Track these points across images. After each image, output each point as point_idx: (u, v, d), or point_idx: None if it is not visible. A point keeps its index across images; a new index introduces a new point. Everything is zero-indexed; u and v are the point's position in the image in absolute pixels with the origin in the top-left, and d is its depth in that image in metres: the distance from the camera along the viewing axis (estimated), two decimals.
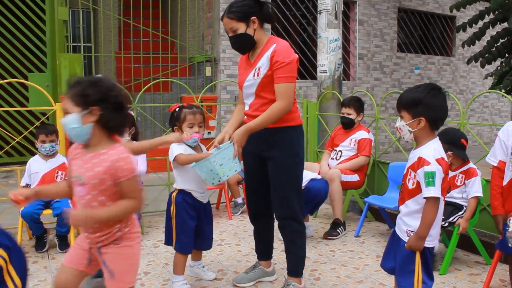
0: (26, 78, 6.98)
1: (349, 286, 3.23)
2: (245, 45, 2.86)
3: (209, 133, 7.52)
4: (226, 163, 2.74)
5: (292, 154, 2.88)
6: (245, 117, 2.99)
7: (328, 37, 5.90)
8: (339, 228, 4.28)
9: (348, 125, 4.64)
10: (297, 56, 2.82)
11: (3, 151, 5.16)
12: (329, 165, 4.66)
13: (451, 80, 11.30)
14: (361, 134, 4.58)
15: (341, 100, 5.04)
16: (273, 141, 2.88)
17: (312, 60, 9.06)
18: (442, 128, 2.64)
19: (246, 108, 2.99)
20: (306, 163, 4.99)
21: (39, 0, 7.72)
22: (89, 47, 8.68)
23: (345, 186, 4.44)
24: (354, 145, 4.57)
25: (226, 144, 2.75)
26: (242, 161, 3.06)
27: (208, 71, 7.96)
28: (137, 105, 4.75)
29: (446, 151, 2.54)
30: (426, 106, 2.32)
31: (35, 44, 7.71)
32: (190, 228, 3.02)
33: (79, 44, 8.61)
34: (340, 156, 4.63)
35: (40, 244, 3.91)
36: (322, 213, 5.05)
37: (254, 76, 2.85)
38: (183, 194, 3.05)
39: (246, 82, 2.92)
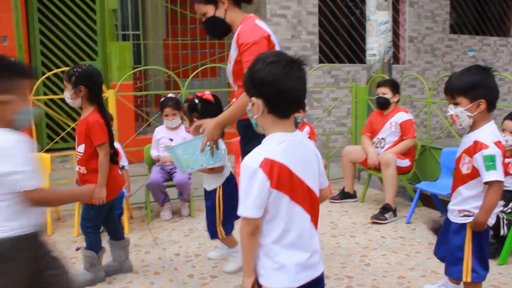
0: None
1: (400, 273, 3.17)
2: (217, 29, 2.64)
3: None
4: (192, 155, 2.55)
5: None
6: None
7: (378, 19, 5.74)
8: (388, 213, 4.20)
9: (384, 105, 4.56)
10: (266, 33, 2.47)
11: (59, 137, 5.36)
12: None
13: (508, 62, 10.78)
14: (400, 116, 4.49)
15: (377, 83, 4.95)
16: (251, 132, 2.33)
17: (360, 44, 8.87)
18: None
19: (234, 99, 2.74)
20: (352, 147, 4.94)
21: None
22: (138, 35, 8.83)
23: (397, 171, 4.34)
24: (396, 128, 4.48)
25: (198, 136, 2.56)
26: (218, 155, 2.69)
27: None
28: (186, 91, 4.80)
29: None
30: (484, 87, 2.23)
31: (86, 33, 7.91)
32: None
33: (128, 32, 8.77)
34: (384, 144, 4.54)
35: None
36: (372, 198, 4.97)
37: (229, 63, 2.64)
38: (226, 186, 3.09)
39: (227, 71, 2.71)
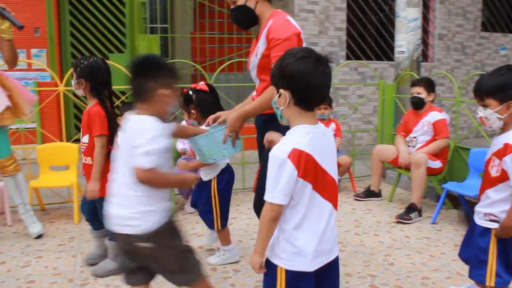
0: (107, 58, 7.28)
1: (424, 274, 3.13)
2: (244, 19, 2.62)
3: None
4: (213, 146, 2.59)
5: None
6: None
7: (407, 16, 5.66)
8: (413, 213, 4.15)
9: (418, 105, 4.47)
10: (297, 30, 2.48)
11: None
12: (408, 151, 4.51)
13: None
14: (434, 115, 4.40)
15: (411, 82, 4.87)
16: (271, 128, 2.38)
17: (388, 41, 8.76)
18: None
19: (254, 93, 2.77)
20: (382, 146, 4.89)
21: None
22: (166, 28, 8.89)
23: (427, 172, 4.28)
24: (428, 128, 4.40)
25: (219, 127, 2.61)
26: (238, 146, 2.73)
27: None
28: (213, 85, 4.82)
29: None
30: None
31: (115, 26, 8.01)
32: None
33: (156, 25, 8.85)
34: (416, 143, 4.47)
35: None
36: (397, 197, 4.92)
37: (254, 56, 2.62)
38: (221, 177, 3.14)
39: (251, 63, 2.69)
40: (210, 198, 3.13)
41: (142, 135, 1.93)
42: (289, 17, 2.55)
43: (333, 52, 8.11)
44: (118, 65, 4.90)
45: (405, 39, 5.69)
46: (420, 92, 4.45)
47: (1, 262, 3.31)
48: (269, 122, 2.53)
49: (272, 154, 1.68)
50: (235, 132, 2.53)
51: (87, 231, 3.94)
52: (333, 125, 5.21)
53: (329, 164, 1.75)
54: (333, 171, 1.78)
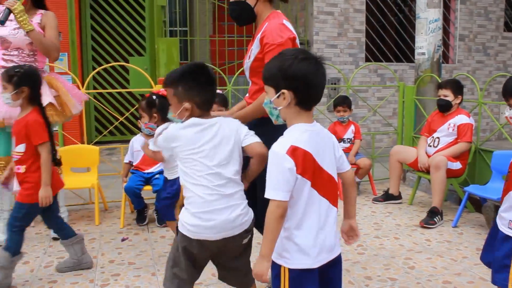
0: (127, 61, 7.36)
1: (445, 278, 3.09)
2: (242, 15, 2.58)
3: None
4: None
5: None
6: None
7: (428, 17, 5.60)
8: (437, 217, 4.09)
9: (445, 108, 4.39)
10: (292, 35, 2.44)
11: (107, 130, 5.52)
12: (426, 153, 4.46)
13: None
14: (460, 118, 4.33)
15: (438, 83, 4.80)
16: (261, 132, 2.31)
17: (408, 42, 8.68)
18: None
19: (247, 94, 2.73)
20: (401, 147, 4.85)
21: None
22: (185, 31, 8.95)
23: (447, 174, 4.20)
24: (453, 130, 4.33)
25: None
26: None
27: None
28: (231, 88, 4.84)
29: None
30: None
31: (135, 29, 8.09)
32: None
33: (175, 28, 8.91)
34: (438, 143, 4.41)
35: (141, 218, 4.15)
36: (417, 200, 4.86)
37: (248, 58, 2.58)
38: None
39: (245, 64, 2.65)
40: (179, 193, 3.19)
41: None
42: (285, 21, 2.50)
43: (352, 54, 8.07)
44: (138, 68, 4.96)
45: (426, 40, 5.64)
46: (447, 94, 4.37)
47: (25, 262, 3.36)
48: (259, 126, 2.45)
49: (271, 151, 1.71)
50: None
51: (108, 232, 3.99)
52: (352, 127, 5.18)
53: (326, 161, 1.78)
54: (330, 168, 1.80)
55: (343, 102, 5.15)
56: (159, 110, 3.26)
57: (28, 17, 3.50)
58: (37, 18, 3.58)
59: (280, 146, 1.70)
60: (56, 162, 3.02)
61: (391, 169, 4.78)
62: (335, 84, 7.74)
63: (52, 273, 3.19)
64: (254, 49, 2.53)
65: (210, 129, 2.04)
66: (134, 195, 4.02)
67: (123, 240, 3.79)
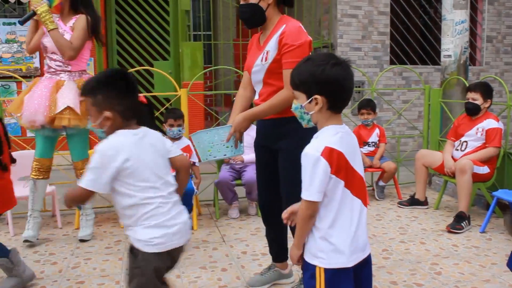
0: (151, 66, 7.44)
1: (474, 284, 3.03)
2: (253, 18, 2.62)
3: None
4: (217, 144, 2.61)
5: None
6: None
7: (454, 18, 5.52)
8: (464, 222, 4.02)
9: (473, 111, 4.31)
10: (309, 38, 2.55)
11: None
12: (453, 157, 4.39)
13: None
14: (489, 123, 4.24)
15: (467, 86, 4.71)
16: (281, 132, 2.62)
17: (434, 44, 8.56)
18: None
19: (256, 97, 2.77)
20: (427, 151, 4.78)
21: None
22: (209, 35, 9.01)
23: (474, 178, 4.13)
24: (482, 134, 4.24)
25: (225, 126, 2.63)
26: (241, 148, 2.72)
27: None
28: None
29: None
30: None
31: (159, 34, 8.17)
32: None
33: (199, 32, 8.99)
34: (466, 147, 4.33)
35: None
36: (443, 204, 4.78)
37: (262, 60, 2.62)
38: None
39: (255, 67, 2.68)
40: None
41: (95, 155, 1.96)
42: (300, 24, 2.59)
43: (376, 57, 8.00)
44: (163, 72, 5.01)
45: (452, 42, 5.55)
46: (476, 98, 4.28)
47: (53, 262, 3.43)
48: (278, 127, 2.62)
49: (305, 153, 1.74)
50: (239, 132, 2.59)
51: None
52: (377, 130, 5.13)
53: (356, 162, 1.81)
54: (360, 169, 1.83)
55: (367, 105, 5.11)
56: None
57: (64, 21, 3.60)
58: (71, 22, 3.67)
59: (314, 148, 1.73)
60: (3, 166, 2.79)
61: (417, 173, 4.71)
62: (359, 87, 7.69)
63: (79, 273, 3.25)
64: (271, 51, 2.57)
65: (145, 138, 2.01)
66: None
67: None
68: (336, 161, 1.71)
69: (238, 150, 2.67)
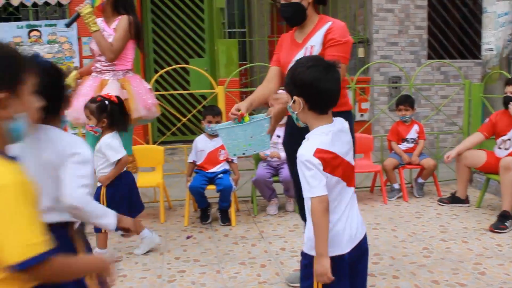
0: (187, 63, 7.52)
1: None
2: (295, 16, 2.69)
3: (361, 115, 7.41)
4: (258, 137, 2.45)
5: None
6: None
7: (496, 11, 5.36)
8: (508, 221, 3.91)
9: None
10: (352, 39, 2.69)
11: (170, 132, 5.67)
12: (497, 155, 4.26)
13: None
14: None
15: (507, 79, 4.58)
16: (299, 130, 2.43)
17: (473, 37, 8.35)
18: None
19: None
20: (469, 152, 4.63)
21: None
22: (244, 32, 9.04)
23: None
24: None
25: (262, 116, 2.48)
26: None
27: (360, 52, 7.76)
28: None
29: None
30: None
31: (195, 32, 8.25)
32: None
33: (234, 30, 9.02)
34: (510, 146, 4.21)
35: (204, 216, 4.23)
36: (486, 203, 4.67)
37: (306, 55, 2.63)
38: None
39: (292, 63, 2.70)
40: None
41: None
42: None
43: (413, 51, 7.86)
44: (199, 69, 5.06)
45: (494, 36, 5.40)
46: None
47: None
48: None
49: (298, 155, 1.80)
50: (277, 122, 2.59)
51: (173, 230, 4.11)
52: (415, 127, 5.04)
53: (349, 154, 1.89)
54: (351, 159, 1.92)
55: (405, 101, 5.03)
56: (109, 116, 3.22)
57: (107, 23, 3.70)
58: (114, 24, 3.75)
59: (306, 150, 1.78)
60: None
61: (459, 173, 4.60)
62: (396, 82, 7.57)
63: (122, 267, 3.32)
64: (316, 46, 2.64)
65: None
66: (198, 194, 4.12)
67: (188, 238, 3.89)
68: (329, 161, 1.78)
69: (266, 145, 2.56)
